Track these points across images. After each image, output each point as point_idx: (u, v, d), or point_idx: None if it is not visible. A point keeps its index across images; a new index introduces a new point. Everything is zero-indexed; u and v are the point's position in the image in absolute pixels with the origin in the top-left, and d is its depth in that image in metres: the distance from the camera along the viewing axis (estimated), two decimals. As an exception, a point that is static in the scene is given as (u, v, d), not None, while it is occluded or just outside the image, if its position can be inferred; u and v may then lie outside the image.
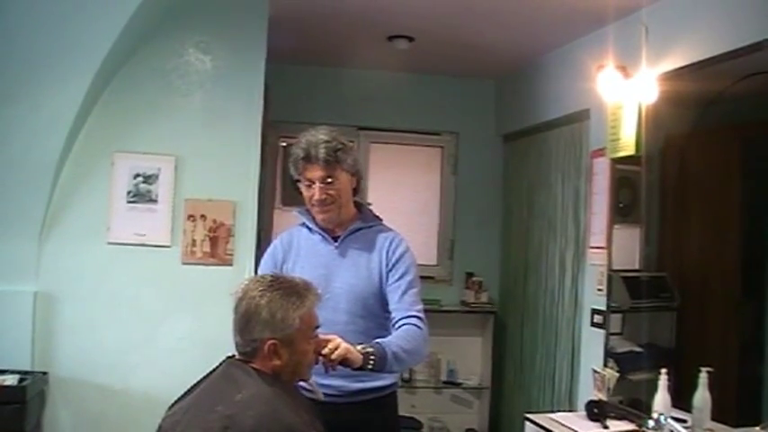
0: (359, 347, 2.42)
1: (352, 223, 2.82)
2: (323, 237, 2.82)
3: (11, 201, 3.93)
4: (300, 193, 2.82)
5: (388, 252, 2.78)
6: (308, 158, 2.70)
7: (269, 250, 2.95)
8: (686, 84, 3.63)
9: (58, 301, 4.06)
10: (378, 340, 2.53)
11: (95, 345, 4.10)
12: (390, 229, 2.89)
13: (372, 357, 2.43)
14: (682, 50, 3.56)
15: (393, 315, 2.71)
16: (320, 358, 2.32)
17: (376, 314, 2.75)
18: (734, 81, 3.57)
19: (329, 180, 2.72)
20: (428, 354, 2.82)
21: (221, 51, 4.26)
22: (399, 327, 2.65)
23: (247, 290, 2.16)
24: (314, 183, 2.72)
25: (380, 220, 2.93)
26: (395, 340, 2.57)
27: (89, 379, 4.08)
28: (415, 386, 5.91)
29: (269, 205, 5.58)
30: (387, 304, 2.74)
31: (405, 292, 2.72)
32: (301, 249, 2.84)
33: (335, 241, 2.81)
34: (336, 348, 2.33)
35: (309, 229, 2.86)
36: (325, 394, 2.63)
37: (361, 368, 2.43)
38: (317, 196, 2.72)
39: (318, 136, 2.72)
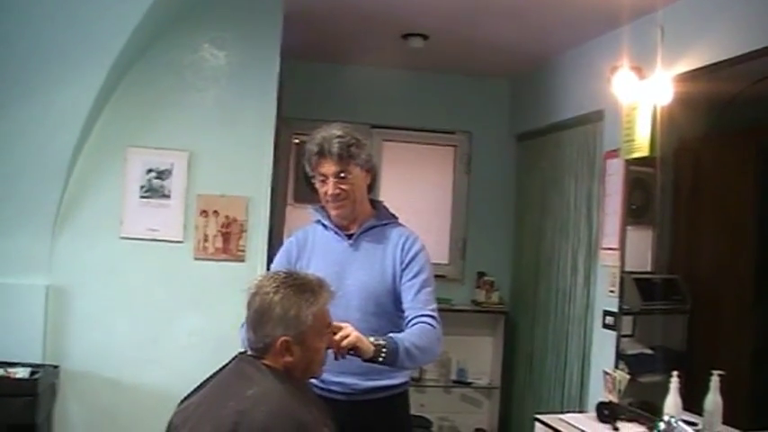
0: (371, 339, 2.42)
1: (366, 221, 2.83)
2: (337, 234, 2.83)
3: (24, 195, 3.95)
4: (315, 191, 2.83)
5: (402, 250, 2.77)
6: (322, 153, 2.71)
7: (284, 246, 2.96)
8: (701, 86, 3.61)
9: (70, 296, 4.08)
10: (390, 335, 2.52)
11: (107, 339, 4.12)
12: (405, 227, 2.89)
13: (384, 350, 2.43)
14: (697, 52, 3.55)
15: (406, 314, 2.70)
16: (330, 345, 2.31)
17: (389, 312, 2.74)
18: (750, 83, 3.55)
19: (342, 175, 2.72)
20: (440, 353, 2.81)
21: (235, 48, 4.27)
22: (413, 325, 2.65)
23: (261, 286, 2.16)
24: (327, 178, 2.73)
25: (396, 218, 2.93)
26: (407, 336, 2.56)
27: (100, 373, 4.10)
28: (424, 385, 5.90)
29: (281, 201, 5.60)
30: (400, 302, 2.74)
31: (419, 291, 2.71)
32: (316, 246, 2.85)
33: (350, 238, 2.81)
34: (347, 336, 2.33)
35: (324, 226, 2.87)
36: (337, 392, 2.62)
37: (371, 360, 2.42)
38: (330, 191, 2.73)
39: (332, 131, 2.73)
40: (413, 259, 2.76)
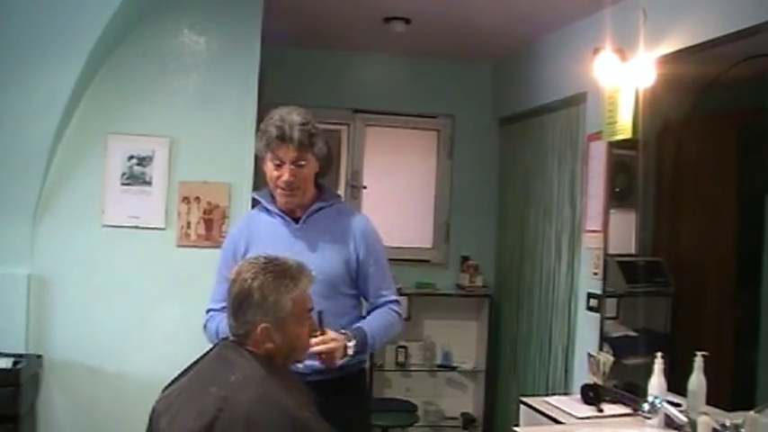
0: (349, 344, 2.56)
1: (312, 204, 2.83)
2: (284, 219, 2.82)
3: (4, 184, 3.91)
4: (262, 172, 2.84)
5: (354, 236, 2.81)
6: (282, 138, 2.69)
7: (226, 244, 2.97)
8: (684, 67, 3.61)
9: (52, 284, 4.06)
10: (361, 326, 2.66)
11: (90, 328, 4.10)
12: (351, 208, 2.96)
13: (355, 351, 2.60)
14: (679, 34, 3.54)
15: (371, 300, 2.82)
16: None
17: (344, 294, 2.79)
18: (731, 65, 3.55)
19: (301, 163, 2.72)
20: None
21: (216, 33, 4.24)
22: (379, 309, 2.79)
23: (240, 272, 2.16)
24: (284, 164, 2.71)
25: (339, 197, 2.99)
26: (376, 329, 2.71)
27: (84, 362, 4.09)
28: (409, 369, 5.92)
29: (264, 187, 5.56)
30: (355, 284, 2.81)
31: (382, 279, 2.82)
32: (262, 234, 2.83)
33: (297, 222, 2.81)
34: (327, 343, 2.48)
35: (268, 211, 2.86)
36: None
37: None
38: (285, 177, 2.72)
39: (294, 117, 2.72)
40: (368, 244, 2.82)
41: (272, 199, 2.85)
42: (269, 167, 2.76)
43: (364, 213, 2.93)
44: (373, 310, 2.81)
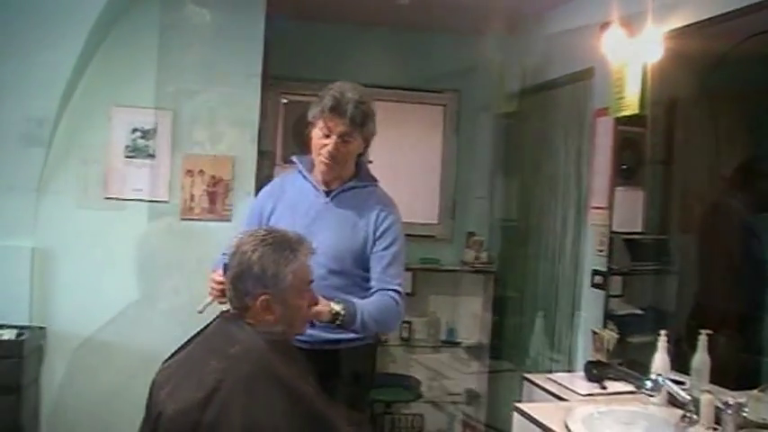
0: (332, 305, 2.54)
1: (347, 181, 2.85)
2: (315, 188, 2.85)
3: (7, 156, 3.92)
4: (308, 139, 2.84)
5: (377, 219, 2.82)
6: (336, 110, 2.71)
7: (255, 202, 3.03)
8: (692, 42, 3.57)
9: (56, 257, 4.07)
10: (354, 301, 2.63)
11: (93, 300, 4.12)
12: (384, 193, 2.93)
13: (342, 318, 2.57)
14: (688, 7, 3.50)
15: (373, 284, 2.78)
16: None
17: (353, 273, 2.79)
18: (741, 40, 3.51)
19: (348, 139, 2.75)
20: (397, 327, 2.91)
21: (220, 6, 4.23)
22: (379, 293, 2.74)
23: (240, 244, 2.16)
24: (331, 135, 2.74)
25: (376, 181, 2.96)
26: (369, 307, 2.67)
27: (86, 334, 4.11)
28: (413, 345, 5.91)
29: (270, 161, 5.55)
30: (366, 267, 2.80)
31: (389, 265, 2.79)
32: (291, 198, 2.87)
33: (327, 195, 2.82)
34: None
35: (304, 177, 2.88)
36: (299, 340, 2.62)
37: (328, 322, 2.56)
38: (330, 148, 2.75)
39: (352, 93, 2.74)
40: (386, 230, 2.81)
41: (311, 167, 2.87)
42: (317, 134, 2.79)
43: (392, 201, 2.93)
44: (374, 292, 2.79)
